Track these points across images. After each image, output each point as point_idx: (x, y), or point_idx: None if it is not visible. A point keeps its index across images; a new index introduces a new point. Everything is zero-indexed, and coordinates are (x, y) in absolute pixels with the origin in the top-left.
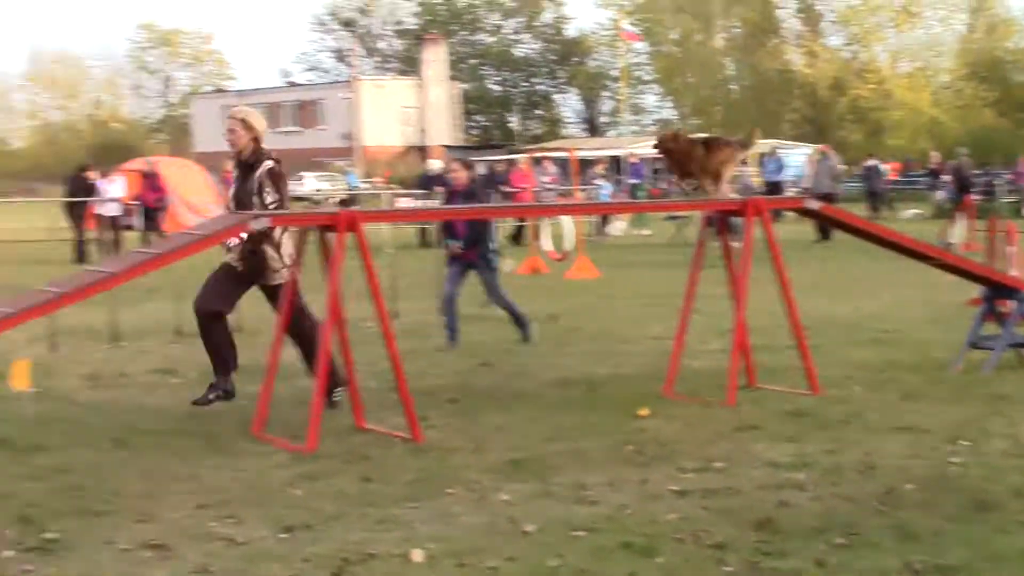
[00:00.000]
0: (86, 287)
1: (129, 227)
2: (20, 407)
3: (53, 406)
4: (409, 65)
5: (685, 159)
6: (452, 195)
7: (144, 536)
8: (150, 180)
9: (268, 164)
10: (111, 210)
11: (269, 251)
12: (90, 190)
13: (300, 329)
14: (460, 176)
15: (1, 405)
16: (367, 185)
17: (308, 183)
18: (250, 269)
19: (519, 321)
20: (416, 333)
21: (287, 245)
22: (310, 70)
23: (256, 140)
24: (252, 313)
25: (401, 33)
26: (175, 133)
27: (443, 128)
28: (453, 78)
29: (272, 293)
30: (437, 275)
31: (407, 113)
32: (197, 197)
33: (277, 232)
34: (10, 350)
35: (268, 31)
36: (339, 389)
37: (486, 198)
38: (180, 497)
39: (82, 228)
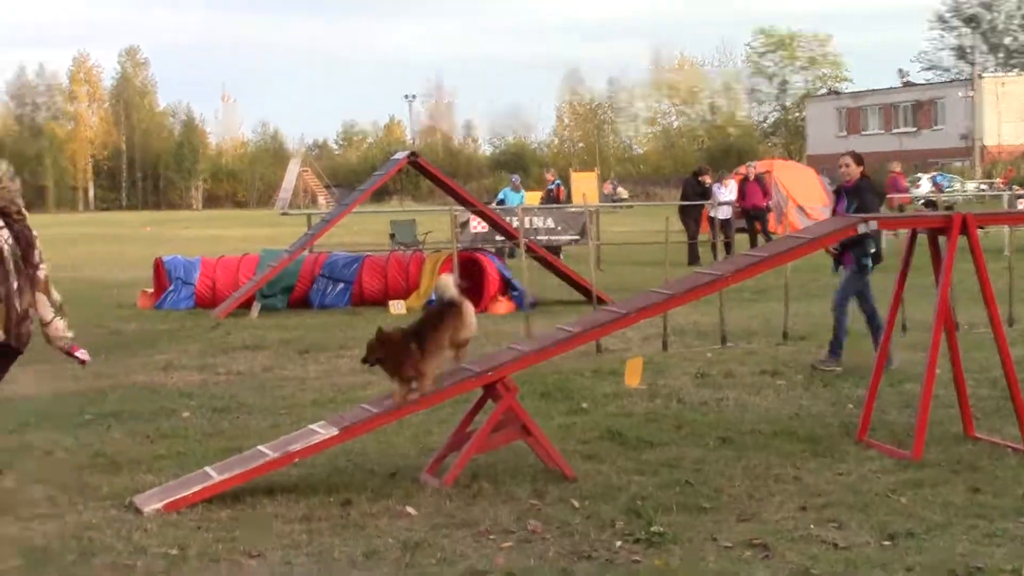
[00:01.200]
0: (697, 288)
1: (741, 230)
2: (632, 403)
3: (662, 403)
4: None
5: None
6: (839, 192)
7: (745, 534)
8: (755, 184)
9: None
10: (723, 213)
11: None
12: (705, 194)
13: None
14: (851, 171)
15: (615, 401)
16: (985, 187)
17: (924, 185)
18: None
19: (836, 341)
20: None
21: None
22: (928, 69)
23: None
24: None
25: None
26: (788, 136)
27: None
28: None
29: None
30: None
31: None
32: (808, 200)
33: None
34: (625, 348)
35: (887, 31)
36: None
37: (870, 197)
38: (782, 498)
39: (696, 231)
